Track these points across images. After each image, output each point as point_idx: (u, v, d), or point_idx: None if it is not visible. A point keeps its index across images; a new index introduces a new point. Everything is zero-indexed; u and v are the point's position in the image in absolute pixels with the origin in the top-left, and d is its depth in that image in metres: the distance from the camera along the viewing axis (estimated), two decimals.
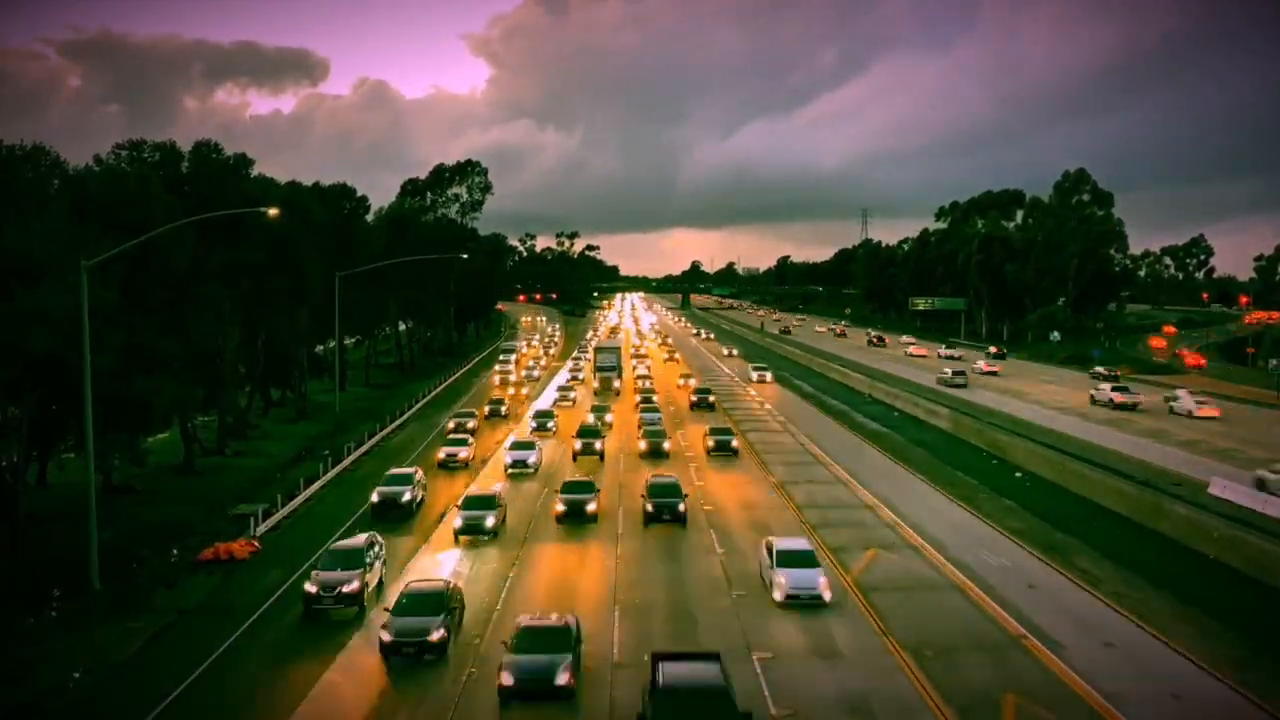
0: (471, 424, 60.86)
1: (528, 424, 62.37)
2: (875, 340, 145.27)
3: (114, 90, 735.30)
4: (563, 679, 21.60)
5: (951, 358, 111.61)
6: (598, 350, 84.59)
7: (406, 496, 39.83)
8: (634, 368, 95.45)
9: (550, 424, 60.81)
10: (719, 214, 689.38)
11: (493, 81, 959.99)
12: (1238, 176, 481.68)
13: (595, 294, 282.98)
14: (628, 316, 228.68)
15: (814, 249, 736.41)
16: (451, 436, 55.57)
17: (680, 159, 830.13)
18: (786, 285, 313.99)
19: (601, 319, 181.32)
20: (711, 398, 73.49)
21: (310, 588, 27.88)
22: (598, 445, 52.44)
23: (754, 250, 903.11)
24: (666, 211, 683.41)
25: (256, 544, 35.45)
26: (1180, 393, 68.47)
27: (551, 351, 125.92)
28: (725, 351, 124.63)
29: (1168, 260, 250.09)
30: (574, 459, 51.61)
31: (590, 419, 59.74)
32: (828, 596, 28.17)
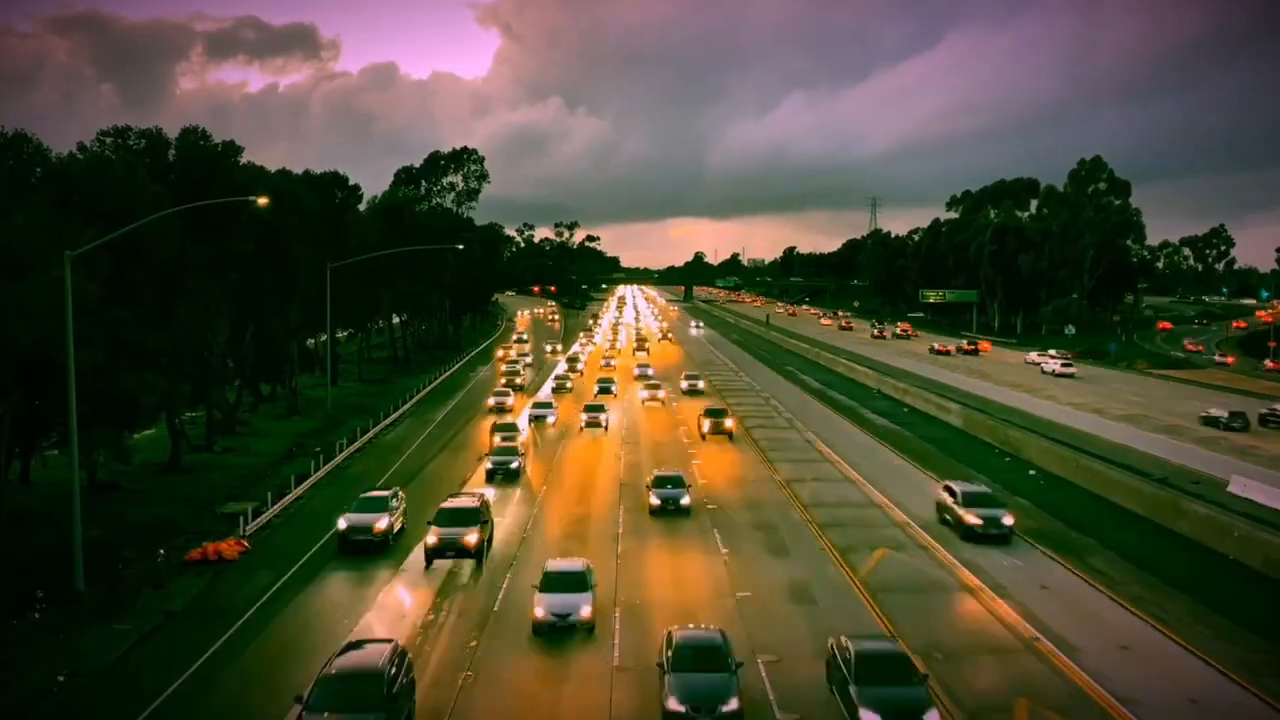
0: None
1: None
2: (878, 333, 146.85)
3: (108, 68, 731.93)
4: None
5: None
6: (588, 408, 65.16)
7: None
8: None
9: None
10: (743, 203, 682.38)
11: (503, 59, 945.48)
12: (1263, 166, 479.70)
13: (602, 287, 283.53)
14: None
15: (834, 239, 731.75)
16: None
17: (704, 146, 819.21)
18: (793, 277, 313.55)
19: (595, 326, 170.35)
20: None
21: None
22: None
23: (767, 241, 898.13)
24: (678, 201, 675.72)
25: (246, 544, 35.47)
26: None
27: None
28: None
29: (1186, 251, 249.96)
30: None
31: None
32: None
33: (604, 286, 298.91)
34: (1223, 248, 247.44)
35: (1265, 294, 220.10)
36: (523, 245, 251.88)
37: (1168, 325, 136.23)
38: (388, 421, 64.30)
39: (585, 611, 26.17)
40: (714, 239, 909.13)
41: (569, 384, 79.97)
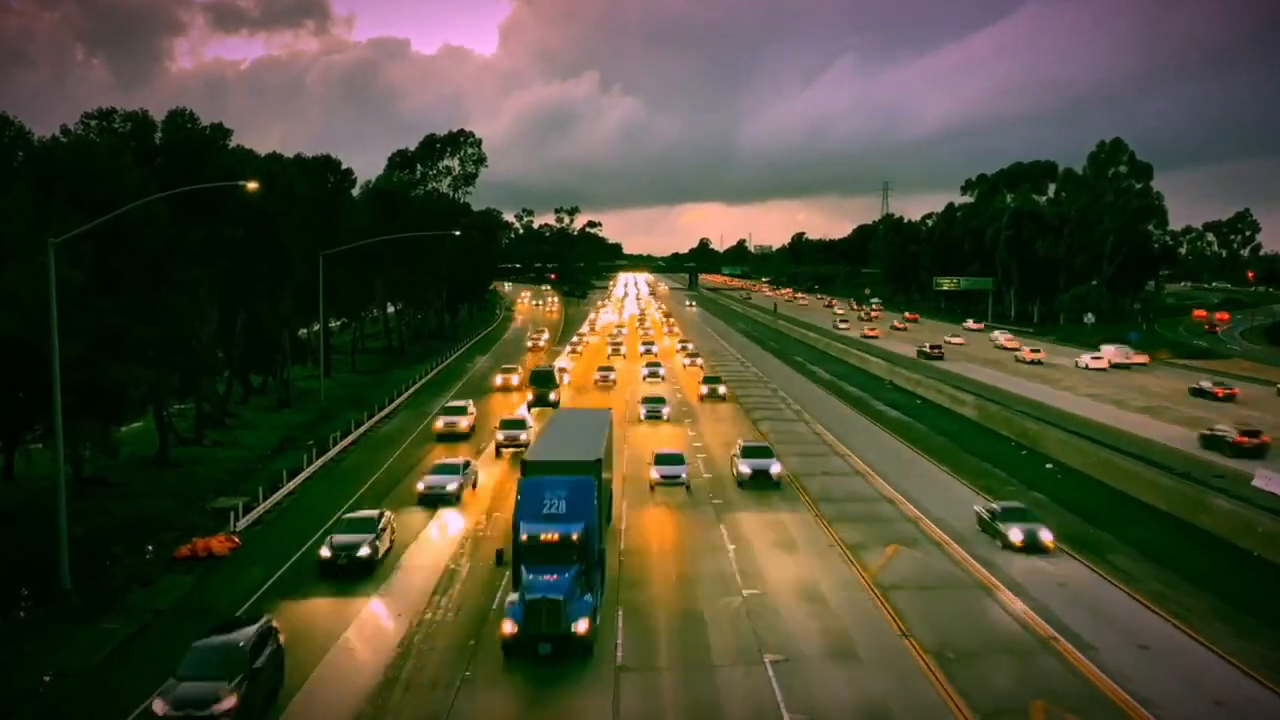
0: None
1: None
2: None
3: (101, 43, 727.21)
4: None
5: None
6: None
7: None
8: None
9: None
10: (757, 189, 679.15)
11: (509, 32, 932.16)
12: None
13: (605, 276, 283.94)
14: None
15: (848, 224, 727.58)
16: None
17: (727, 130, 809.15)
18: (802, 264, 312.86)
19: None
20: None
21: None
22: None
23: (777, 227, 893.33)
24: (691, 186, 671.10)
25: (237, 540, 35.59)
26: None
27: None
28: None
29: (1210, 237, 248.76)
30: None
31: None
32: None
33: (606, 276, 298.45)
34: (1248, 233, 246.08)
35: None
36: (521, 232, 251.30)
37: (1225, 316, 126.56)
38: (383, 414, 64.35)
39: None
40: (721, 225, 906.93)
41: None
